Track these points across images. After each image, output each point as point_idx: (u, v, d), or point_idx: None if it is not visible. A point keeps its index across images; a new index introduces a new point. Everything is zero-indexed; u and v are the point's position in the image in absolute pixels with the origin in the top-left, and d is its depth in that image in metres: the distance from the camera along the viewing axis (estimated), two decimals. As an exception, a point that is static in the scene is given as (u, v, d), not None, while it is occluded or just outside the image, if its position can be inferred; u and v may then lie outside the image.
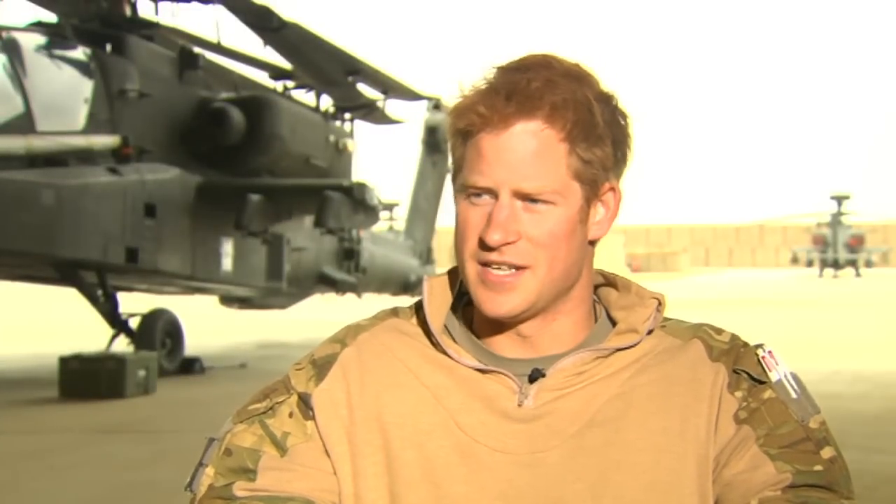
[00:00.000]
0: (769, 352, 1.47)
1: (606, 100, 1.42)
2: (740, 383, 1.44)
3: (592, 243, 1.46)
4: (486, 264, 1.40)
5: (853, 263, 72.05)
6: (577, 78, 1.40)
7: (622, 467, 1.40)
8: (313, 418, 1.46)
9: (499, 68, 1.42)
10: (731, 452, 1.41)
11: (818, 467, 1.40)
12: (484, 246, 1.39)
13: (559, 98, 1.37)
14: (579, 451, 1.41)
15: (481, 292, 1.41)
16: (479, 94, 1.39)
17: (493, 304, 1.40)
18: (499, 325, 1.45)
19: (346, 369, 1.48)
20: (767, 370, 1.45)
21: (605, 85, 1.43)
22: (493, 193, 1.39)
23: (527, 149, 1.37)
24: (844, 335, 21.40)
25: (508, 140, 1.37)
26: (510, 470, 1.41)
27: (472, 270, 1.41)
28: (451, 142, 1.43)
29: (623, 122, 1.43)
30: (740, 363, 1.46)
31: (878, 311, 29.74)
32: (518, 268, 1.39)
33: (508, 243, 1.38)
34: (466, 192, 1.41)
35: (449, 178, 1.48)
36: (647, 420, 1.42)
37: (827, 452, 1.42)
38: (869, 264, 74.73)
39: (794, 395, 1.44)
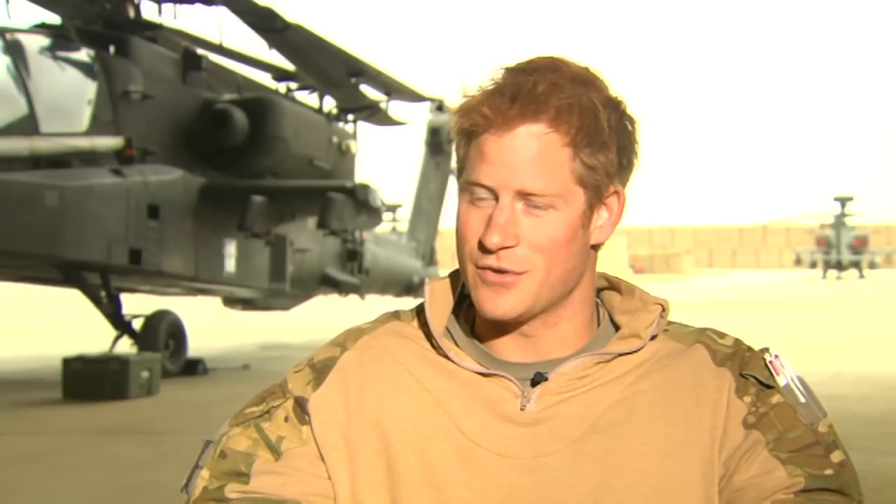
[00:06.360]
0: (776, 356, 1.47)
1: (614, 105, 1.40)
2: (748, 388, 1.44)
3: (595, 247, 1.45)
4: (484, 268, 1.39)
5: (857, 265, 72.00)
6: (584, 82, 1.39)
7: (624, 473, 1.39)
8: (309, 423, 1.46)
9: (506, 69, 1.41)
10: (740, 457, 1.40)
11: (829, 471, 1.40)
12: (483, 249, 1.38)
13: (564, 102, 1.36)
14: (582, 456, 1.40)
15: (480, 292, 1.40)
16: (485, 95, 1.38)
17: (492, 304, 1.39)
18: (501, 328, 1.44)
19: (345, 373, 1.48)
20: (775, 374, 1.44)
21: (614, 90, 1.42)
22: (494, 194, 1.38)
23: (529, 151, 1.36)
24: (848, 337, 21.37)
25: (512, 142, 1.36)
26: (512, 474, 1.40)
27: (471, 272, 1.41)
28: (456, 141, 1.43)
29: (630, 128, 1.42)
30: (748, 368, 1.45)
31: (881, 313, 29.70)
32: (516, 272, 1.39)
33: (507, 247, 1.37)
34: (468, 190, 1.40)
35: (452, 179, 1.48)
36: (649, 426, 1.41)
37: (836, 456, 1.42)
38: (872, 266, 74.67)
39: (802, 400, 1.44)
